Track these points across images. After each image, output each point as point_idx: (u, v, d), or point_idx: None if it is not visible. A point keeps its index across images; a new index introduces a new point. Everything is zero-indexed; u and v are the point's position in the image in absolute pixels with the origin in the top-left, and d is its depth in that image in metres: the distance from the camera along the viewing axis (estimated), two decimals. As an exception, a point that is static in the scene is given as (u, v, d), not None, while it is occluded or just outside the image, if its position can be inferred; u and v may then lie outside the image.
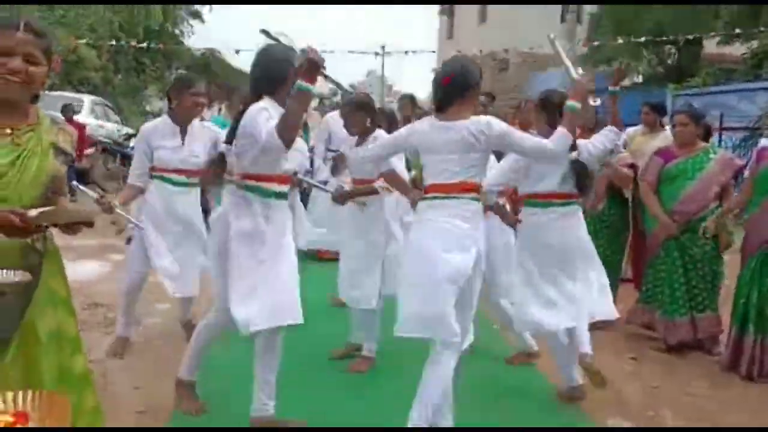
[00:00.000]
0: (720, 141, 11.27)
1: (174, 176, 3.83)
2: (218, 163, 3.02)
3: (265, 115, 2.67)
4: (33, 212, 1.71)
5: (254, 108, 2.72)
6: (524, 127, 4.43)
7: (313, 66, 2.50)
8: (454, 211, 2.68)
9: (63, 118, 9.96)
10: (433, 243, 2.67)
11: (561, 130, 2.76)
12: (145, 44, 18.21)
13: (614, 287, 4.90)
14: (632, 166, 4.77)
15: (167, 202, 3.84)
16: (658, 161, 4.47)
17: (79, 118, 11.23)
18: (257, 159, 2.79)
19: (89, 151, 11.14)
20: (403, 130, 3.00)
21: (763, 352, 3.89)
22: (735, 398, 3.70)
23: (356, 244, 3.88)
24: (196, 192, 3.96)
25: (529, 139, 2.83)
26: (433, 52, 23.63)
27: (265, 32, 2.82)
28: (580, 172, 3.40)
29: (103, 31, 17.95)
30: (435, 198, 2.74)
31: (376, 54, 24.41)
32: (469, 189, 2.72)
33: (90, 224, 1.80)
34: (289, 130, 2.52)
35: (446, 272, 2.62)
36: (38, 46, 1.80)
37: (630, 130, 6.46)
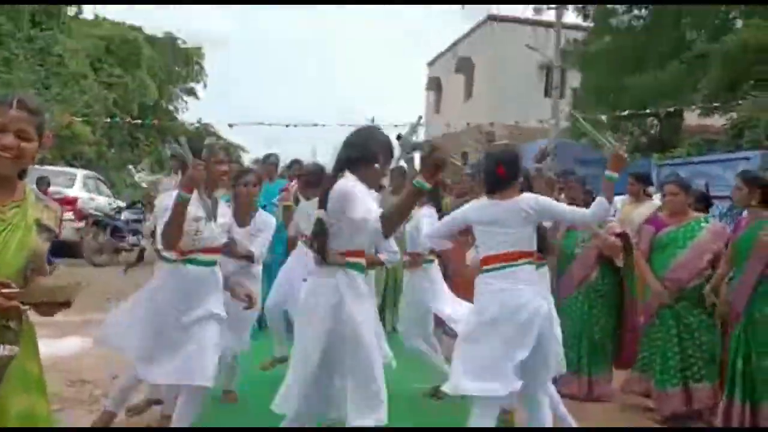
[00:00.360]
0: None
1: (200, 256, 3.27)
2: (324, 234, 2.79)
3: (359, 192, 2.64)
4: (18, 289, 1.69)
5: (346, 184, 2.70)
6: None
7: (437, 165, 2.45)
8: (517, 277, 3.05)
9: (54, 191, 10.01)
10: (500, 307, 3.00)
11: (601, 199, 3.15)
12: (139, 120, 18.54)
13: (611, 356, 4.85)
14: (621, 235, 4.81)
15: (187, 289, 3.26)
16: (649, 229, 4.51)
17: (70, 191, 11.29)
18: (354, 235, 2.76)
19: (80, 224, 11.13)
20: (460, 211, 3.35)
21: (753, 419, 3.83)
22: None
23: None
24: (218, 270, 3.44)
25: (570, 210, 3.31)
26: (422, 125, 24.17)
27: (400, 137, 2.75)
28: (542, 234, 3.59)
29: (98, 108, 18.29)
30: (496, 268, 3.08)
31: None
32: (526, 256, 3.10)
33: (67, 305, 1.77)
34: (396, 225, 2.58)
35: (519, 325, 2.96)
36: (31, 122, 1.82)
37: (616, 199, 6.57)
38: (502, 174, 3.16)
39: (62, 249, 10.01)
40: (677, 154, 15.26)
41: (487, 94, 24.19)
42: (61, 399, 4.24)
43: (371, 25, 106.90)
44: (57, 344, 5.64)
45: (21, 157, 1.80)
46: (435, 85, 29.99)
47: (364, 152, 2.82)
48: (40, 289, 1.77)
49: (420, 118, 2.84)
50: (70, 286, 1.78)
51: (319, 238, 2.79)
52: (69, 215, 10.63)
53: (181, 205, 2.95)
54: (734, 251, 4.08)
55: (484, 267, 3.13)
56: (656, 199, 5.98)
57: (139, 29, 22.56)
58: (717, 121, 16.21)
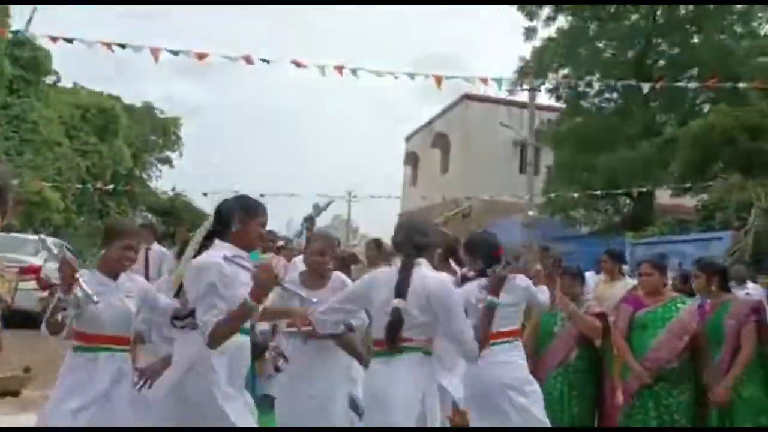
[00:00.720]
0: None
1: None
2: (400, 324, 2.77)
3: (459, 300, 2.93)
4: None
5: (445, 285, 2.89)
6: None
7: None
8: (515, 352, 3.54)
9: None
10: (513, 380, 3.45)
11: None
12: (111, 186, 18.37)
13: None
14: (600, 315, 4.71)
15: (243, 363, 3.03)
16: (627, 309, 4.47)
17: (34, 260, 10.95)
18: (428, 327, 2.84)
19: (43, 294, 10.74)
20: (461, 291, 3.48)
21: None
22: None
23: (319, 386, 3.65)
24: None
25: (543, 293, 3.97)
26: (398, 197, 24.35)
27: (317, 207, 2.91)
28: None
29: (70, 175, 18.13)
30: (498, 343, 3.46)
31: (344, 198, 25.16)
32: (517, 333, 3.68)
33: (16, 394, 1.61)
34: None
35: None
36: None
37: (588, 275, 6.53)
38: (498, 255, 3.57)
39: (24, 320, 9.61)
40: (650, 233, 15.46)
41: (463, 169, 24.58)
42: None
43: (349, 99, 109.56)
44: (17, 420, 5.39)
45: None
46: (412, 159, 30.46)
47: (430, 239, 3.02)
48: None
49: (330, 203, 2.92)
50: (22, 376, 1.63)
51: (395, 328, 2.75)
52: (32, 284, 10.27)
53: (246, 312, 2.61)
54: (706, 337, 4.15)
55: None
56: (629, 278, 5.97)
57: (116, 98, 22.72)
58: (689, 201, 16.56)
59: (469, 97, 24.35)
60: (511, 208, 19.58)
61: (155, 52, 8.18)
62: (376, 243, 7.44)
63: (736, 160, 13.94)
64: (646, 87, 12.58)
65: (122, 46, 8.07)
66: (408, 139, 31.27)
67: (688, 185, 15.10)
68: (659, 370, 4.20)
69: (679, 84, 12.90)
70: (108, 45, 8.02)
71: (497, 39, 62.45)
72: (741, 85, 11.78)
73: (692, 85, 13.10)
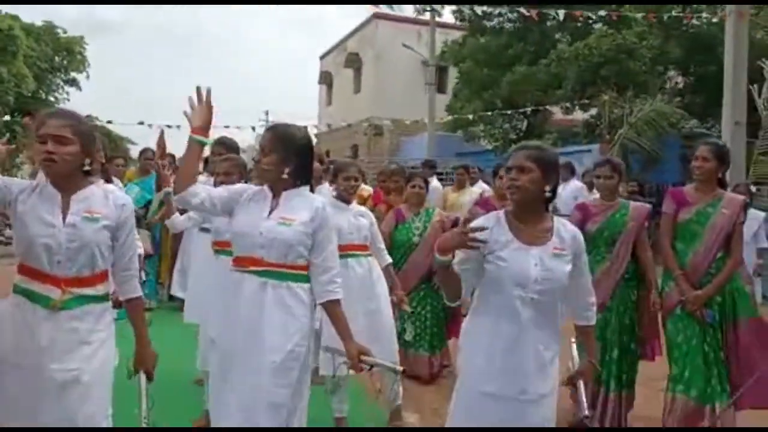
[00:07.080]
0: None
1: None
2: None
3: None
4: None
5: None
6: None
7: None
8: None
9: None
10: None
11: None
12: (15, 113, 17.96)
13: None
14: None
15: None
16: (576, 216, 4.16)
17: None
18: None
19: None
20: None
21: None
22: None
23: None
24: None
25: None
26: (314, 124, 24.70)
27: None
28: None
29: (-29, 99, 17.64)
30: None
31: (260, 120, 25.33)
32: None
33: None
34: None
35: None
36: None
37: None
38: None
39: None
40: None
41: (374, 89, 25.13)
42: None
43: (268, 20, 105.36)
44: None
45: None
46: (326, 78, 30.60)
47: None
48: None
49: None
50: None
51: None
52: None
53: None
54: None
55: None
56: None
57: (15, 18, 21.68)
58: (581, 116, 17.85)
59: (378, 17, 24.65)
60: (420, 127, 20.48)
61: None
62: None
63: (617, 79, 15.15)
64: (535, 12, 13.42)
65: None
66: (322, 58, 31.28)
67: (570, 103, 16.32)
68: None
69: (563, 8, 13.72)
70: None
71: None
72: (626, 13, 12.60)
73: (566, 9, 13.87)
